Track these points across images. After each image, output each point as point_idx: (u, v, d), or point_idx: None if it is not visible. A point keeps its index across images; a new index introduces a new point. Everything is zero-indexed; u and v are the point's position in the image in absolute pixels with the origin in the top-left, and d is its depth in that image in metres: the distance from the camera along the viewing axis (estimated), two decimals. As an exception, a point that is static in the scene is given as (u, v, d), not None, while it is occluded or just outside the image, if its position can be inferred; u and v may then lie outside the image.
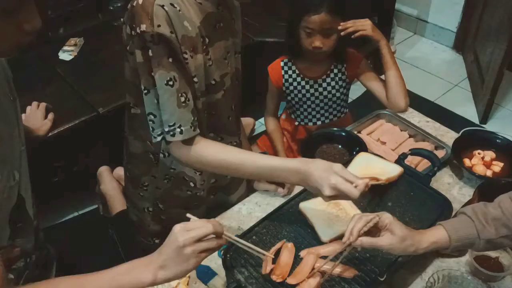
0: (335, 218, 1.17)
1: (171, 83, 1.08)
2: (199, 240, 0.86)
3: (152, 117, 1.14)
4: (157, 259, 0.87)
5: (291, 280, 1.04)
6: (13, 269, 0.98)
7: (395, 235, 0.96)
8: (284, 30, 1.72)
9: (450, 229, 0.98)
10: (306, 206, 1.22)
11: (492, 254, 1.16)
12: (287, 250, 1.11)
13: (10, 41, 0.80)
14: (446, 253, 1.01)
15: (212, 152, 1.15)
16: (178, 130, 1.11)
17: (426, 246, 0.98)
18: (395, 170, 1.29)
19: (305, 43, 1.60)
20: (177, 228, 0.87)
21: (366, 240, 0.96)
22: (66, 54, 2.35)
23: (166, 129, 1.12)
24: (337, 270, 1.07)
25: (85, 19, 2.54)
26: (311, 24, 1.55)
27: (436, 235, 0.99)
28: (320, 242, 1.14)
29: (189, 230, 0.87)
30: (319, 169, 1.05)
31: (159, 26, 1.03)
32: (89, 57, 2.36)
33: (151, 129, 1.15)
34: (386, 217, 0.98)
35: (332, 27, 1.56)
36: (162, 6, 1.04)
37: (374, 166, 1.29)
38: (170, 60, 1.06)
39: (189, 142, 1.14)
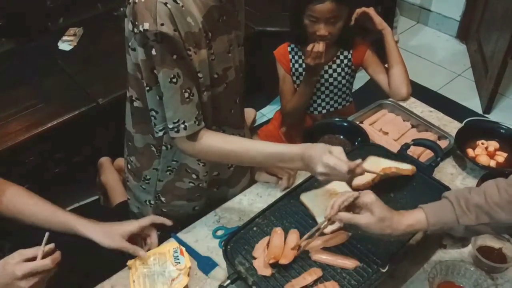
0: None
1: (174, 80, 1.08)
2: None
3: (154, 113, 1.16)
4: None
5: (282, 261, 1.06)
6: None
7: (373, 215, 0.97)
8: (285, 19, 1.71)
9: (429, 212, 0.98)
10: (307, 197, 1.21)
11: (495, 245, 1.15)
12: (277, 235, 1.12)
13: None
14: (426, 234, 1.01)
15: (218, 143, 1.17)
16: (182, 126, 1.12)
17: (403, 229, 0.98)
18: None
19: (310, 31, 1.59)
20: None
21: (344, 215, 0.99)
22: (65, 44, 2.34)
23: (170, 126, 1.13)
24: (339, 261, 1.06)
25: (84, 9, 2.53)
26: (316, 13, 1.54)
27: (415, 218, 0.99)
28: (321, 233, 1.13)
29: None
30: (318, 151, 1.09)
31: (162, 24, 1.03)
32: (88, 47, 2.34)
33: (153, 124, 1.17)
34: (368, 197, 0.99)
35: (337, 15, 1.55)
36: (165, 4, 1.03)
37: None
38: (174, 57, 1.07)
39: (193, 136, 1.15)
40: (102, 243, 1.15)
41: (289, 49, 1.74)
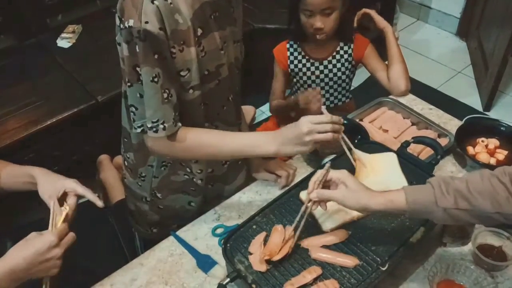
0: (336, 207, 1.16)
1: (156, 79, 1.08)
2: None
3: (133, 109, 1.15)
4: None
5: (276, 257, 1.06)
6: None
7: (347, 188, 1.00)
8: (284, 16, 1.71)
9: (409, 192, 0.98)
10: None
11: (495, 243, 1.15)
12: (277, 232, 1.11)
13: None
14: (405, 215, 1.02)
15: (193, 137, 1.17)
16: (161, 126, 1.12)
17: (381, 202, 0.98)
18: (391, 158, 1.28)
19: (306, 26, 1.60)
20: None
21: (321, 192, 1.02)
22: (64, 42, 2.33)
23: (149, 125, 1.13)
24: (339, 259, 1.06)
25: (83, 6, 2.52)
26: (310, 6, 1.55)
27: (394, 195, 0.99)
28: (321, 232, 1.13)
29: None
30: (291, 124, 1.13)
31: (146, 22, 1.02)
32: (87, 45, 2.34)
33: (132, 120, 1.17)
34: (340, 172, 1.03)
35: (331, 6, 1.56)
36: (152, 1, 1.02)
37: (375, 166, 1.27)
38: (156, 56, 1.06)
39: (172, 137, 1.16)
40: (39, 191, 1.17)
41: (287, 46, 1.74)
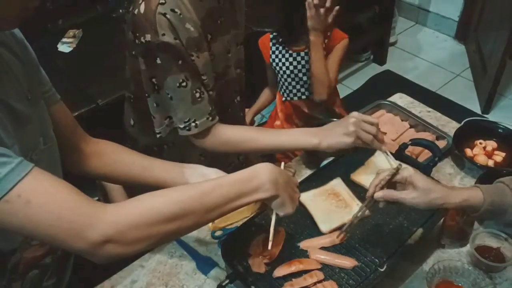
0: (334, 209, 1.17)
1: (184, 84, 1.12)
2: None
3: (152, 118, 1.21)
4: None
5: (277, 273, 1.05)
6: (39, 265, 1.00)
7: (417, 189, 0.93)
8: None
9: (486, 191, 0.94)
10: (306, 197, 1.21)
11: (494, 244, 1.16)
12: (278, 234, 1.12)
13: (14, 12, 0.80)
14: (474, 216, 0.97)
15: (233, 132, 1.22)
16: (193, 124, 1.17)
17: (456, 202, 0.94)
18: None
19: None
20: None
21: (388, 193, 0.95)
22: (65, 46, 2.34)
23: (181, 126, 1.18)
24: (337, 261, 1.06)
25: (83, 11, 2.53)
26: None
27: (470, 193, 0.95)
28: (319, 233, 1.13)
29: None
30: (336, 121, 1.20)
31: (163, 35, 1.06)
32: (88, 49, 2.35)
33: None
34: (406, 171, 0.94)
35: None
36: (164, 15, 1.05)
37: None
38: (180, 62, 1.10)
39: (207, 131, 1.19)
40: None
41: (271, 36, 1.77)
